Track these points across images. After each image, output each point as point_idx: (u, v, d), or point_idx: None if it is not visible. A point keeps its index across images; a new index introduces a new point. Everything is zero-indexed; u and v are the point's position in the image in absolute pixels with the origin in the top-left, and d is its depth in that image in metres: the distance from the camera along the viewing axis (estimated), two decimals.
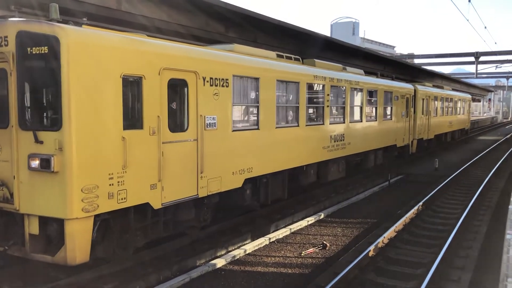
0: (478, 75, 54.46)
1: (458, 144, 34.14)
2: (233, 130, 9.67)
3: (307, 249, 9.55)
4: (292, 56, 12.77)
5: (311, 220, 11.66)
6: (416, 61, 53.91)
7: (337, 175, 14.83)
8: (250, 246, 9.46)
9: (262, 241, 9.81)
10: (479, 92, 77.81)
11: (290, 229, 10.81)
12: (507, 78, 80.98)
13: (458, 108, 33.65)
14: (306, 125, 12.51)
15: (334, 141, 13.98)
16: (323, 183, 14.52)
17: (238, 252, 9.07)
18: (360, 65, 23.96)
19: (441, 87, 30.31)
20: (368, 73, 19.95)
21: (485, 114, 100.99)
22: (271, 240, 10.05)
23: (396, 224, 10.63)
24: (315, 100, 13.32)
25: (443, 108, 28.49)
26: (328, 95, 13.45)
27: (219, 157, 9.15)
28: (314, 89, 13.16)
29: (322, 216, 12.16)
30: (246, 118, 10.58)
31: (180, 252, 8.84)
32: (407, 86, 21.50)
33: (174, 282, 7.54)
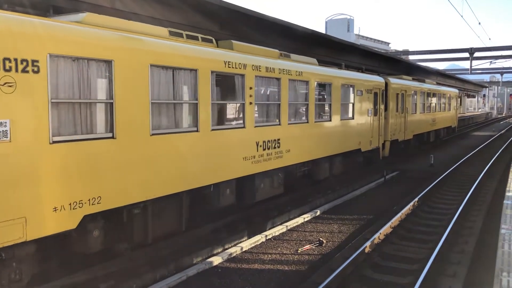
0: (472, 71, 54.56)
1: (453, 140, 34.25)
2: (53, 142, 6.31)
3: (304, 246, 9.57)
4: (200, 35, 9.63)
5: (307, 217, 11.68)
6: (411, 57, 53.97)
7: (270, 192, 11.61)
8: (247, 244, 9.46)
9: (259, 239, 9.82)
10: (473, 88, 78.16)
11: (287, 226, 10.83)
12: (502, 73, 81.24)
13: (444, 104, 30.31)
14: (213, 130, 9.22)
15: (264, 149, 10.93)
16: (247, 205, 11.19)
17: (234, 250, 9.08)
18: (357, 62, 23.96)
19: (423, 81, 26.68)
20: (327, 63, 18.69)
21: (479, 110, 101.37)
22: (268, 237, 10.06)
23: (392, 220, 10.67)
24: (229, 95, 10.55)
25: (424, 104, 25.18)
26: (251, 88, 10.35)
27: (15, 187, 5.87)
28: (228, 80, 10.22)
29: (318, 213, 12.18)
30: (86, 122, 6.93)
31: (176, 251, 8.83)
32: (375, 79, 18.27)
33: (171, 280, 7.54)
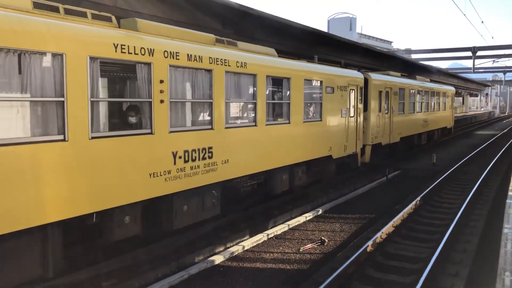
0: (475, 70, 54.44)
1: (455, 139, 34.19)
2: None
3: (306, 245, 9.56)
4: (91, 11, 7.35)
5: (309, 216, 11.67)
6: (413, 56, 53.89)
7: (198, 216, 9.18)
8: (249, 243, 9.46)
9: (261, 237, 9.82)
10: (476, 87, 78.00)
11: (288, 225, 10.82)
12: (504, 72, 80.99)
13: (438, 103, 27.79)
14: (94, 138, 6.83)
15: (187, 161, 8.51)
16: (164, 233, 8.82)
17: (236, 249, 9.08)
18: (357, 61, 23.92)
19: (414, 77, 24.28)
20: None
21: (482, 109, 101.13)
22: (270, 236, 10.06)
23: (394, 219, 10.66)
24: (126, 90, 9.01)
25: (414, 103, 22.88)
26: (162, 82, 7.95)
27: None
28: (125, 70, 8.53)
29: (320, 212, 12.17)
30: None
31: (178, 250, 8.84)
32: (352, 74, 15.99)
33: (173, 279, 7.54)
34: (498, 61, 58.66)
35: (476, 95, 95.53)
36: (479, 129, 47.61)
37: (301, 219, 11.35)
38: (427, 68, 41.69)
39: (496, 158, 21.89)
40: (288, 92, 11.79)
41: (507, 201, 9.16)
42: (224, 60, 9.39)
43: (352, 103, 15.61)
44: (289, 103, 11.80)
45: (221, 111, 9.41)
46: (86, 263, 7.51)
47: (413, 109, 22.89)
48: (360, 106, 16.26)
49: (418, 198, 12.85)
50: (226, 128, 9.63)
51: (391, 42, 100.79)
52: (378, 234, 9.51)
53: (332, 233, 10.50)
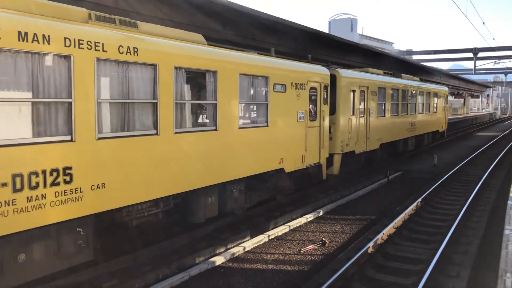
0: (476, 71, 54.47)
1: (457, 141, 34.17)
2: None
3: (306, 246, 9.55)
4: None
5: (310, 217, 11.66)
6: (415, 57, 53.91)
7: (48, 266, 6.57)
8: (249, 244, 9.45)
9: (261, 239, 9.81)
10: (477, 88, 78.01)
11: (289, 226, 10.81)
12: (506, 74, 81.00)
13: (428, 104, 24.90)
14: None
15: (21, 190, 5.93)
16: None
17: (237, 250, 9.07)
18: (358, 62, 23.93)
19: (399, 76, 21.25)
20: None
21: (483, 110, 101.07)
22: (270, 238, 10.05)
23: (395, 221, 10.64)
24: None
25: (398, 104, 19.96)
26: None
27: None
28: None
29: (321, 213, 12.16)
30: None
31: (178, 251, 8.84)
32: (313, 70, 13.11)
33: (173, 280, 7.53)
34: (499, 63, 58.68)
35: (477, 97, 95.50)
36: (480, 130, 47.55)
37: (302, 220, 11.34)
38: (426, 68, 41.66)
39: (497, 159, 21.87)
40: (214, 90, 9.11)
41: (509, 202, 9.14)
42: (96, 43, 6.78)
43: (313, 104, 12.94)
44: (215, 104, 9.13)
45: (88, 115, 6.72)
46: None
47: (397, 111, 19.95)
48: (325, 108, 13.43)
49: (419, 200, 12.83)
50: (101, 139, 6.90)
51: (392, 43, 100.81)
52: (379, 236, 9.50)
53: (333, 234, 10.49)
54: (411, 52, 59.11)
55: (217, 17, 13.79)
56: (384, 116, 18.41)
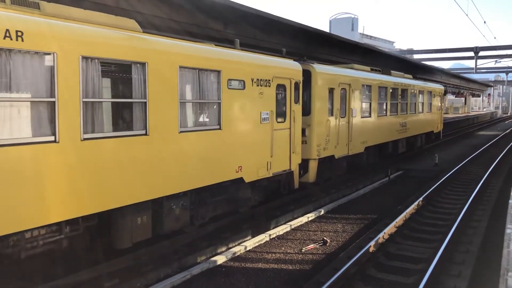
0: (477, 70, 54.46)
1: (458, 140, 34.12)
2: None
3: (308, 245, 9.56)
4: None
5: (311, 216, 11.66)
6: (416, 56, 53.89)
7: None
8: (251, 243, 9.46)
9: (263, 238, 9.81)
10: (478, 87, 77.95)
11: (291, 225, 10.81)
12: (507, 73, 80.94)
13: (421, 103, 23.31)
14: None
15: None
16: None
17: (238, 249, 9.08)
18: (359, 61, 23.92)
19: (388, 73, 19.65)
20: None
21: (484, 109, 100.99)
22: (272, 237, 10.05)
23: (396, 220, 10.64)
24: None
25: (387, 103, 18.39)
26: None
27: None
28: None
29: (322, 212, 12.16)
30: None
31: (180, 250, 8.85)
32: (280, 64, 11.47)
33: (175, 279, 7.54)
34: (500, 62, 58.62)
35: (479, 96, 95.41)
36: (481, 129, 47.51)
37: (303, 219, 11.34)
38: (426, 67, 41.60)
39: (499, 158, 21.85)
40: (142, 86, 7.57)
41: (510, 201, 9.14)
42: None
43: (282, 104, 11.39)
44: (144, 103, 7.56)
45: None
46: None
47: (385, 111, 18.41)
48: (297, 108, 11.86)
49: (421, 199, 12.83)
50: None
51: (393, 42, 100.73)
52: (381, 235, 9.50)
53: (334, 233, 10.49)
54: (412, 51, 59.11)
55: (218, 17, 13.79)
56: (370, 116, 16.84)
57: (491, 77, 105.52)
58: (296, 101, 11.83)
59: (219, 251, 9.03)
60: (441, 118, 27.76)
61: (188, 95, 8.58)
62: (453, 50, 52.00)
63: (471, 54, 48.27)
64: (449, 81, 52.98)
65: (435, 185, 14.85)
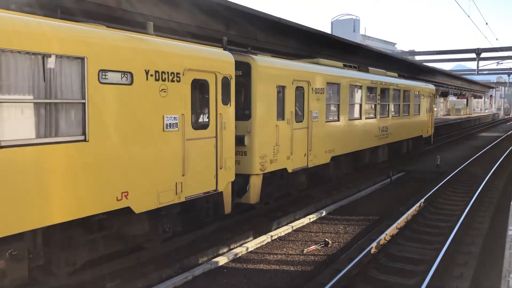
0: (479, 72, 54.35)
1: (460, 141, 34.07)
2: None
3: (309, 247, 9.55)
4: None
5: (313, 217, 11.66)
6: (417, 57, 53.88)
7: None
8: (252, 244, 9.46)
9: (264, 239, 9.81)
10: (480, 89, 77.83)
11: (292, 226, 10.81)
12: (509, 74, 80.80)
13: (407, 105, 20.76)
14: None
15: None
16: None
17: (240, 250, 9.08)
18: (361, 62, 23.91)
19: (365, 70, 17.25)
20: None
21: (486, 111, 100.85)
22: (273, 238, 10.05)
23: (398, 221, 10.63)
24: None
25: (361, 105, 15.91)
26: None
27: None
28: None
29: (324, 214, 12.16)
30: None
31: (181, 251, 8.85)
32: (197, 53, 8.88)
33: (176, 280, 7.54)
34: (502, 63, 58.56)
35: (480, 97, 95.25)
36: (483, 131, 47.45)
37: (304, 220, 11.34)
38: (428, 68, 41.57)
39: (501, 160, 21.82)
40: None
41: None
42: None
43: (202, 104, 8.86)
44: None
45: None
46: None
47: (360, 113, 15.96)
48: (226, 110, 9.29)
49: (422, 200, 12.82)
50: None
51: (395, 43, 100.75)
52: (382, 236, 9.49)
53: (336, 234, 10.48)
54: (413, 53, 59.09)
55: (220, 18, 13.81)
56: (339, 120, 14.36)
57: (493, 78, 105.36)
58: (226, 102, 9.32)
59: (220, 252, 9.03)
60: (431, 121, 25.34)
61: (19, 92, 5.90)
62: (455, 51, 52.01)
63: (473, 55, 48.23)
64: (451, 82, 52.94)
65: (437, 186, 14.83)
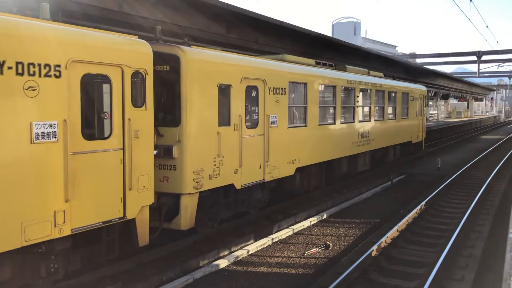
0: (480, 74, 54.43)
1: (461, 143, 34.04)
2: None
3: (310, 249, 9.55)
4: None
5: (313, 220, 11.66)
6: (418, 60, 53.94)
7: None
8: (253, 247, 9.46)
9: (265, 242, 9.82)
10: (481, 91, 77.81)
11: (293, 229, 10.81)
12: (509, 77, 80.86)
13: (393, 108, 18.88)
14: None
15: None
16: None
17: (241, 253, 9.08)
18: (361, 65, 23.93)
19: (343, 69, 15.28)
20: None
21: (487, 113, 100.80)
22: (274, 241, 10.05)
23: (399, 224, 10.63)
24: None
25: (335, 108, 13.88)
26: None
27: None
28: None
29: (324, 216, 12.16)
30: None
31: (182, 253, 8.85)
32: (88, 40, 6.63)
33: (177, 282, 7.55)
34: (503, 66, 58.60)
35: (481, 100, 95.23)
36: (484, 133, 47.43)
37: (305, 223, 11.34)
38: (428, 71, 41.59)
39: (502, 162, 21.80)
40: None
41: None
42: None
43: (100, 107, 7.00)
44: None
45: None
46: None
47: (334, 117, 13.94)
48: (139, 114, 7.38)
49: (423, 203, 12.81)
50: None
51: (395, 46, 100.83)
52: (383, 239, 9.48)
53: (337, 237, 10.48)
54: (414, 55, 59.15)
55: (221, 21, 13.84)
56: (306, 125, 12.32)
57: (494, 81, 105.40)
58: (139, 104, 7.39)
59: (221, 255, 9.03)
60: (422, 125, 23.06)
61: None
62: (456, 54, 52.14)
63: (474, 58, 48.33)
64: (452, 85, 52.94)
65: (438, 189, 14.83)
